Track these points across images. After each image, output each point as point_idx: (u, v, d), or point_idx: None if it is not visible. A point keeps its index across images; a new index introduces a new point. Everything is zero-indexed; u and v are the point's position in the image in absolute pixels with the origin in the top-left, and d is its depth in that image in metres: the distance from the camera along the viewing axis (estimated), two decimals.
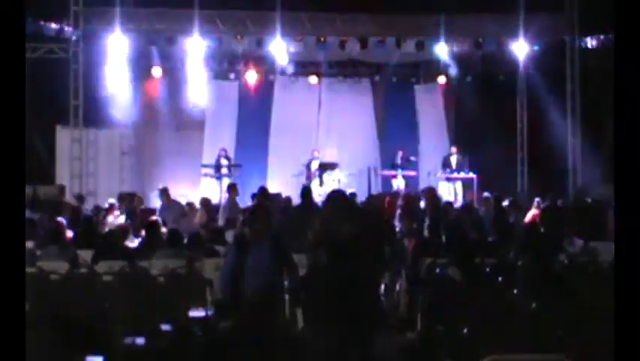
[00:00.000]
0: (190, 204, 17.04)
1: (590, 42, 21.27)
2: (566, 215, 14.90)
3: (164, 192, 16.92)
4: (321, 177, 21.59)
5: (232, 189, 17.32)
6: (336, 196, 7.77)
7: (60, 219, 12.17)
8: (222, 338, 6.67)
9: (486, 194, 18.32)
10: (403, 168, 22.05)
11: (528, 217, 15.24)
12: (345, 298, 7.13)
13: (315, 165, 21.84)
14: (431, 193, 16.72)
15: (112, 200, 17.14)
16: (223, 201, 18.54)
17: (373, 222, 9.43)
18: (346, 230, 7.17)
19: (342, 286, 7.09)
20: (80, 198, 18.13)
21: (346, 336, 7.15)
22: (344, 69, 24.21)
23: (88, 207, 17.31)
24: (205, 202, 17.26)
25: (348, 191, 18.87)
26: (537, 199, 16.39)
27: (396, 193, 19.12)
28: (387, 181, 22.54)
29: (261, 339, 5.99)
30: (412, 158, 22.29)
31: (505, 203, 16.41)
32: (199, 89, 22.74)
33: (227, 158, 21.80)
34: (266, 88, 23.88)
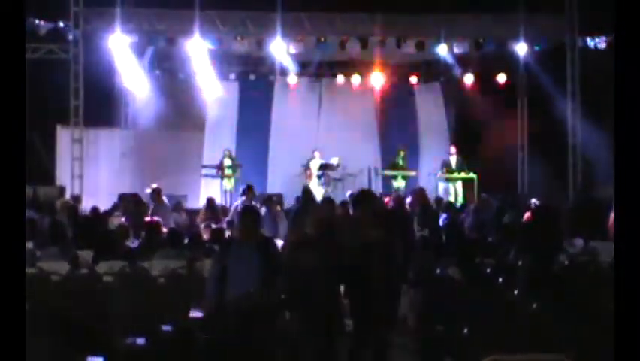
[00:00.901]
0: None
1: (593, 42, 21.19)
2: (565, 215, 14.89)
3: (156, 193, 16.91)
4: (320, 177, 21.61)
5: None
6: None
7: (60, 219, 12.17)
8: (223, 338, 6.67)
9: (483, 195, 18.35)
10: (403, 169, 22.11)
11: (526, 218, 15.22)
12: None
13: (314, 165, 21.84)
14: (420, 194, 16.73)
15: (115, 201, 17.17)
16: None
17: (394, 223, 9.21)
18: (370, 232, 7.22)
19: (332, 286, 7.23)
20: (77, 199, 18.11)
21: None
22: (344, 69, 24.21)
23: (86, 207, 17.28)
24: (210, 202, 17.26)
25: (348, 192, 19.00)
26: (533, 200, 16.37)
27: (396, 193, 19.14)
28: (387, 181, 22.53)
29: (250, 345, 6.01)
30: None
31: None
32: (200, 89, 22.79)
33: (231, 158, 21.81)
34: (266, 88, 23.90)
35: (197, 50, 21.04)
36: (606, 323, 4.03)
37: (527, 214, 15.35)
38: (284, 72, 23.37)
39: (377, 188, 22.15)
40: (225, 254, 7.32)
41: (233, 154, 22.17)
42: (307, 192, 16.06)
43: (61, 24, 20.50)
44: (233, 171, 21.61)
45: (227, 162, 21.67)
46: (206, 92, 22.99)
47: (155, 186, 17.38)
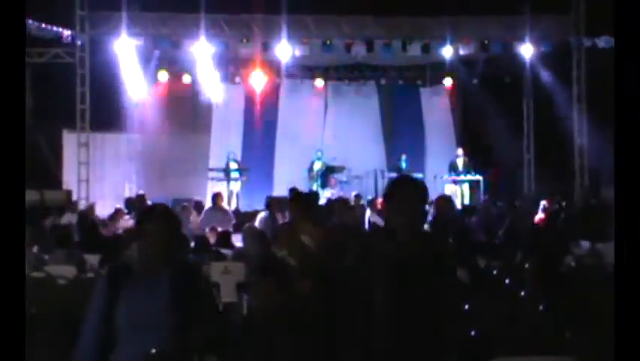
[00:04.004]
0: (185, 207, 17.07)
1: (600, 42, 21.13)
2: (572, 217, 14.89)
3: (141, 198, 16.96)
4: (323, 178, 21.59)
5: (216, 197, 17.12)
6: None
7: (67, 223, 12.19)
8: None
9: (485, 197, 18.35)
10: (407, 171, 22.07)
11: (535, 220, 15.21)
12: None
13: (317, 166, 21.83)
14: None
15: (118, 205, 17.16)
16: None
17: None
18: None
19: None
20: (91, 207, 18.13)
21: None
22: (350, 72, 24.23)
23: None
24: (197, 205, 17.26)
25: (353, 193, 18.98)
26: (543, 202, 16.37)
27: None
28: None
29: None
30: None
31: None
32: (205, 92, 22.82)
33: (237, 162, 21.83)
34: (272, 91, 23.92)
35: (203, 52, 21.08)
36: (612, 326, 4.01)
37: (540, 216, 15.40)
38: (290, 75, 23.40)
39: (383, 191, 22.08)
40: (115, 287, 4.41)
41: (238, 157, 22.19)
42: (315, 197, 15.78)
43: (67, 28, 20.53)
44: (240, 174, 21.64)
45: (233, 165, 21.69)
46: (212, 95, 23.03)
47: (140, 192, 17.48)
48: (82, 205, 18.84)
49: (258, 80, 23.35)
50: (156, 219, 4.46)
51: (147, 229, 4.42)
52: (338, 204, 10.22)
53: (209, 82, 22.61)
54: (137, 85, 21.76)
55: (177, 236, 4.65)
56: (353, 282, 4.28)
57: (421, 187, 4.45)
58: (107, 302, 4.37)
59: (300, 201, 7.09)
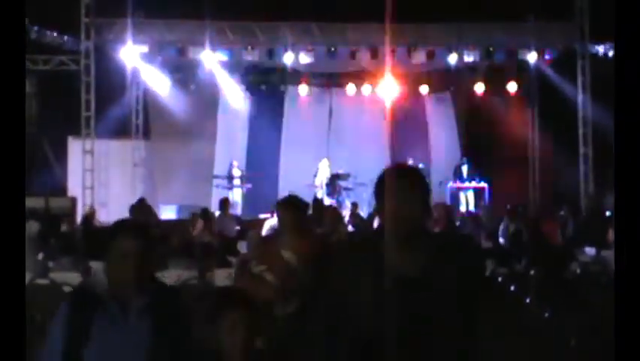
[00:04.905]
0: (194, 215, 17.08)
1: (603, 49, 21.09)
2: (579, 224, 14.88)
3: (142, 203, 16.97)
4: (329, 186, 21.57)
5: (224, 203, 17.17)
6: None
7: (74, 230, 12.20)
8: None
9: (486, 205, 18.31)
10: None
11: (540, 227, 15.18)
12: None
13: (322, 174, 21.80)
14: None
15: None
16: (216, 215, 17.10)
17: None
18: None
19: None
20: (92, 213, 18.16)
21: None
22: (355, 79, 24.20)
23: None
24: (204, 213, 17.30)
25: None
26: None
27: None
28: None
29: None
30: (421, 165, 22.01)
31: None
32: (211, 99, 22.85)
33: (240, 169, 21.85)
34: (277, 98, 23.94)
35: (209, 59, 21.10)
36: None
37: (545, 223, 15.37)
38: (294, 82, 23.43)
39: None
40: (80, 320, 3.59)
41: (243, 164, 22.22)
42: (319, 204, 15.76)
43: (72, 36, 20.57)
44: (242, 182, 21.65)
45: (237, 172, 21.70)
46: (217, 102, 23.06)
47: (141, 197, 17.53)
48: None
49: (263, 86, 23.47)
50: (129, 235, 3.62)
51: (118, 247, 3.59)
52: (329, 214, 9.99)
53: (215, 88, 22.64)
54: (142, 92, 21.84)
55: (153, 256, 3.75)
56: (340, 299, 3.56)
57: (420, 175, 3.70)
58: (70, 338, 3.56)
59: (291, 210, 6.37)
